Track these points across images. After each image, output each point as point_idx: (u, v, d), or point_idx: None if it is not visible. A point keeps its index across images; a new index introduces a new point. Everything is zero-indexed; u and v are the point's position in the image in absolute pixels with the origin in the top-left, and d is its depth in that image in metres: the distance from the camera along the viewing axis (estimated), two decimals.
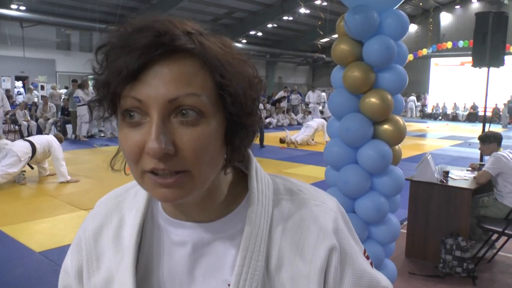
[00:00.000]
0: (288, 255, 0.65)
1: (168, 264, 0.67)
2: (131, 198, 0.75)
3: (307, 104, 20.58)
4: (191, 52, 0.56)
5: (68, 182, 7.24)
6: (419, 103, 28.48)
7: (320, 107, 20.37)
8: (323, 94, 22.46)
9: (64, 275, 0.77)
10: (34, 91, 18.69)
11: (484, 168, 4.28)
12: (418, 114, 28.14)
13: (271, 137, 13.10)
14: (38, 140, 7.15)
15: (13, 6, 18.37)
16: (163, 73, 0.54)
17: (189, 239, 0.66)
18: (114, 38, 0.57)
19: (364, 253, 0.75)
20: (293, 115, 20.18)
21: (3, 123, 12.34)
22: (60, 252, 4.25)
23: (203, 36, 0.58)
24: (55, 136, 7.64)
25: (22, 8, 18.71)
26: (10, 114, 12.60)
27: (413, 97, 27.33)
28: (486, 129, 5.73)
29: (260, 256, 0.63)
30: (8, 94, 13.80)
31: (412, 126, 19.67)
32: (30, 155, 6.87)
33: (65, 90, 18.01)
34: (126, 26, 0.57)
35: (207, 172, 0.59)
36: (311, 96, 20.08)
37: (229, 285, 0.64)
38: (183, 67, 0.56)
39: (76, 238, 0.77)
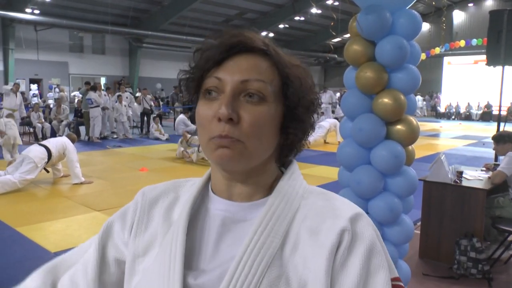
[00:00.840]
0: (304, 238, 0.71)
1: (202, 234, 0.77)
2: (188, 186, 0.85)
3: (319, 105, 20.50)
4: (265, 53, 0.73)
5: (82, 183, 7.31)
6: (424, 102, 28.45)
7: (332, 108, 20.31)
8: (337, 94, 22.39)
9: (111, 222, 0.85)
10: (61, 93, 18.85)
11: (499, 168, 4.23)
12: (425, 113, 28.05)
13: None
14: (53, 143, 7.22)
15: (28, 10, 18.63)
16: (241, 63, 0.71)
17: (221, 213, 0.76)
18: (209, 41, 0.74)
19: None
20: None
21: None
22: None
23: (276, 47, 0.75)
24: (68, 136, 7.70)
25: (36, 11, 18.96)
26: (25, 117, 12.77)
27: (420, 97, 27.29)
28: (501, 129, 5.66)
29: (273, 233, 0.71)
30: (23, 96, 13.93)
31: (425, 126, 19.51)
32: (46, 160, 6.95)
33: (77, 92, 18.23)
34: (221, 33, 0.74)
35: (258, 147, 0.71)
36: (323, 97, 20.02)
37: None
38: (257, 61, 0.72)
39: (133, 201, 0.86)
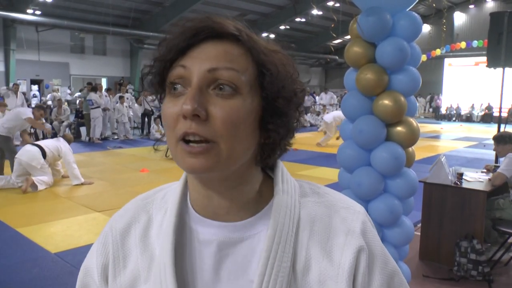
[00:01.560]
0: (316, 257, 0.65)
1: (196, 264, 0.68)
2: (159, 200, 0.75)
3: (323, 105, 20.51)
4: (237, 39, 0.63)
5: (82, 184, 7.32)
6: (420, 103, 28.71)
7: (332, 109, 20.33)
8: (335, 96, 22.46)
9: (85, 275, 0.76)
10: (54, 93, 18.90)
11: (498, 170, 4.24)
12: (422, 111, 28.28)
13: None
14: (47, 143, 7.22)
15: (29, 11, 18.65)
16: (208, 50, 0.62)
17: (215, 237, 0.67)
18: (174, 29, 0.64)
19: None
20: (306, 117, 20.13)
21: None
22: (75, 253, 4.30)
23: (251, 32, 0.66)
24: (64, 137, 7.68)
25: (38, 12, 18.98)
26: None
27: (422, 99, 27.52)
28: (502, 130, 5.66)
29: (285, 257, 0.63)
30: (24, 97, 13.95)
31: (426, 127, 19.51)
32: (42, 159, 6.95)
33: (79, 93, 18.26)
34: (187, 19, 0.65)
35: (235, 148, 0.61)
36: (324, 98, 20.06)
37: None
38: (228, 47, 0.62)
39: (101, 237, 0.76)
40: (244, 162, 0.65)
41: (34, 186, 6.81)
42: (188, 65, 0.61)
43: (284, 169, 0.73)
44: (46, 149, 7.02)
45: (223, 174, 0.64)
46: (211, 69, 0.60)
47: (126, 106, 14.14)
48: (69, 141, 7.54)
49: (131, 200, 0.79)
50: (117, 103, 14.02)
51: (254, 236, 0.67)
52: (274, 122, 0.64)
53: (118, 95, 14.40)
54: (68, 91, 22.05)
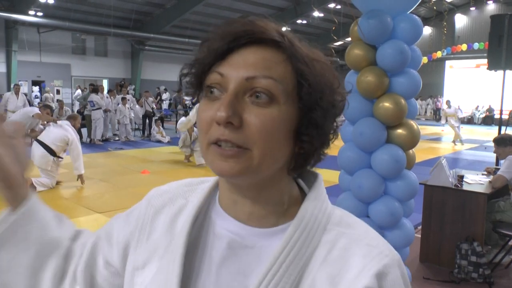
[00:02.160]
0: (321, 285, 0.61)
1: (206, 253, 0.68)
2: (199, 191, 0.76)
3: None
4: (278, 45, 0.61)
5: (80, 178, 7.24)
6: (428, 106, 28.80)
7: None
8: None
9: (122, 221, 0.78)
10: (46, 94, 19.00)
11: (499, 172, 4.24)
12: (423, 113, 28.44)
13: None
14: (53, 138, 7.03)
15: (31, 12, 18.69)
16: (247, 56, 0.60)
17: (227, 234, 0.67)
18: (217, 30, 0.63)
19: None
20: None
21: None
22: None
23: (293, 38, 0.64)
24: (69, 118, 7.58)
25: (39, 14, 19.01)
26: None
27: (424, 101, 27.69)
28: (502, 132, 5.66)
29: (286, 277, 0.61)
30: (26, 98, 13.97)
31: (426, 130, 19.49)
32: (51, 159, 6.94)
33: (79, 91, 18.35)
34: (232, 21, 0.64)
35: (267, 155, 0.60)
36: None
37: None
38: (268, 54, 0.61)
39: (138, 206, 0.78)
40: (275, 170, 0.63)
41: (32, 187, 6.80)
42: (225, 72, 0.60)
43: (322, 190, 0.70)
44: (53, 146, 6.92)
45: (252, 180, 0.63)
46: (249, 77, 0.59)
47: (127, 108, 14.16)
48: (75, 125, 7.36)
49: (177, 182, 0.81)
50: (118, 104, 14.04)
51: (266, 247, 0.65)
52: (309, 133, 0.62)
53: (120, 96, 14.41)
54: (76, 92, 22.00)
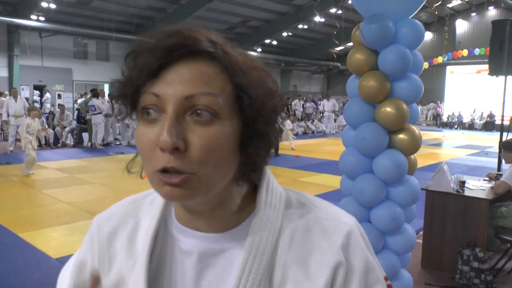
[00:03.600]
0: (293, 271, 0.63)
1: (175, 273, 0.67)
2: (147, 205, 0.75)
3: (322, 113, 20.54)
4: (212, 57, 0.58)
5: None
6: (428, 111, 28.84)
7: (334, 116, 20.34)
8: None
9: (78, 270, 0.75)
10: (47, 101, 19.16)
11: (502, 178, 4.22)
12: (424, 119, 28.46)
13: (286, 145, 13.08)
14: None
15: (33, 17, 18.74)
16: (182, 72, 0.57)
17: (196, 248, 0.66)
18: (143, 43, 0.59)
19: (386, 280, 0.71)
20: (309, 123, 20.09)
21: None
22: None
23: (226, 46, 0.61)
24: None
25: (41, 18, 19.07)
26: None
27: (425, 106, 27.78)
28: (504, 138, 5.65)
29: (260, 270, 0.62)
30: (27, 102, 14.00)
31: (428, 135, 19.48)
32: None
33: (81, 100, 18.43)
34: (156, 33, 0.59)
35: (215, 175, 0.58)
36: (326, 105, 20.03)
37: None
38: (203, 68, 0.57)
39: (88, 236, 0.76)
40: (224, 185, 0.62)
41: None
42: (161, 93, 0.56)
43: (271, 179, 0.70)
44: None
45: (203, 200, 0.61)
46: (188, 96, 0.56)
47: None
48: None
49: (119, 202, 0.78)
50: None
51: (235, 247, 0.65)
52: (254, 144, 0.61)
53: None
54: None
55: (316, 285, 0.62)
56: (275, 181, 0.71)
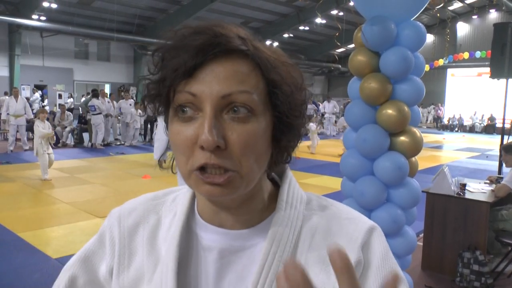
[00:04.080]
0: (314, 270, 0.64)
1: (200, 269, 0.68)
2: (169, 203, 0.75)
3: (322, 115, 20.50)
4: (244, 54, 0.59)
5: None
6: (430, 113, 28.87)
7: (335, 117, 20.29)
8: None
9: (85, 261, 0.75)
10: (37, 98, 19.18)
11: (503, 182, 4.22)
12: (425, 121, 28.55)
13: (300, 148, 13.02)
14: None
15: (34, 17, 18.76)
16: (218, 71, 0.58)
17: (216, 244, 0.66)
18: (171, 40, 0.60)
19: None
20: (311, 124, 19.95)
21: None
22: None
23: (256, 41, 0.62)
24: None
25: (43, 18, 19.09)
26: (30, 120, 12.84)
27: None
28: (505, 141, 5.65)
29: (281, 266, 0.62)
30: (28, 102, 14.01)
31: (428, 138, 19.47)
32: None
33: (70, 100, 18.60)
34: (183, 29, 0.60)
35: (254, 170, 0.60)
36: (327, 106, 19.99)
37: None
38: (237, 66, 0.59)
39: (108, 229, 0.75)
40: (258, 178, 0.64)
41: None
42: (197, 92, 0.57)
43: (293, 180, 0.71)
44: None
45: (241, 194, 0.62)
46: (225, 95, 0.57)
47: (139, 112, 14.23)
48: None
49: (139, 197, 0.78)
50: (120, 108, 14.06)
51: (256, 245, 0.66)
52: (286, 137, 0.64)
53: (122, 101, 14.43)
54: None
55: (336, 284, 0.61)
56: (297, 183, 0.72)
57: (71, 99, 21.58)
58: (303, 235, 0.66)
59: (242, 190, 0.60)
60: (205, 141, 0.55)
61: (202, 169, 0.58)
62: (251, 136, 0.58)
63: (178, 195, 0.75)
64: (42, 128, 7.77)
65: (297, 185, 0.72)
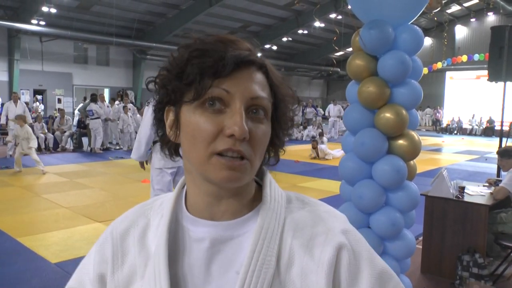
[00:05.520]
0: (298, 254, 0.71)
1: (188, 259, 0.74)
2: (157, 207, 0.82)
3: (326, 118, 20.29)
4: (259, 67, 0.71)
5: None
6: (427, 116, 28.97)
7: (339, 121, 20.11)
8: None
9: (82, 272, 0.85)
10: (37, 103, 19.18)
11: (501, 184, 4.22)
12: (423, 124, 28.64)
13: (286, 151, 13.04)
14: None
15: (33, 21, 18.78)
16: (249, 76, 0.69)
17: (207, 235, 0.73)
18: (203, 43, 0.70)
19: None
20: (310, 128, 19.92)
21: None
22: (76, 263, 4.23)
23: (267, 61, 0.74)
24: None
25: (42, 23, 19.11)
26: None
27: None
28: (503, 144, 5.66)
29: (269, 252, 0.70)
30: (27, 107, 14.02)
31: (427, 141, 19.48)
32: None
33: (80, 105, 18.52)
34: (204, 37, 0.71)
35: (258, 163, 0.71)
36: (332, 109, 19.76)
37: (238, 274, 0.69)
38: (259, 76, 0.71)
39: (101, 239, 0.83)
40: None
41: None
42: (232, 91, 0.66)
43: (273, 180, 0.81)
44: None
45: (246, 182, 0.71)
46: (253, 97, 0.68)
47: (130, 116, 14.18)
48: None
49: (132, 208, 0.86)
50: (120, 113, 14.05)
51: (244, 234, 0.73)
52: (279, 140, 0.76)
53: (122, 105, 14.44)
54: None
55: (320, 264, 0.69)
56: (275, 181, 0.81)
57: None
58: (287, 225, 0.74)
59: (248, 178, 0.70)
60: (239, 131, 0.65)
61: (220, 154, 0.66)
62: (264, 134, 0.70)
63: (165, 200, 0.82)
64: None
65: (277, 185, 0.81)
